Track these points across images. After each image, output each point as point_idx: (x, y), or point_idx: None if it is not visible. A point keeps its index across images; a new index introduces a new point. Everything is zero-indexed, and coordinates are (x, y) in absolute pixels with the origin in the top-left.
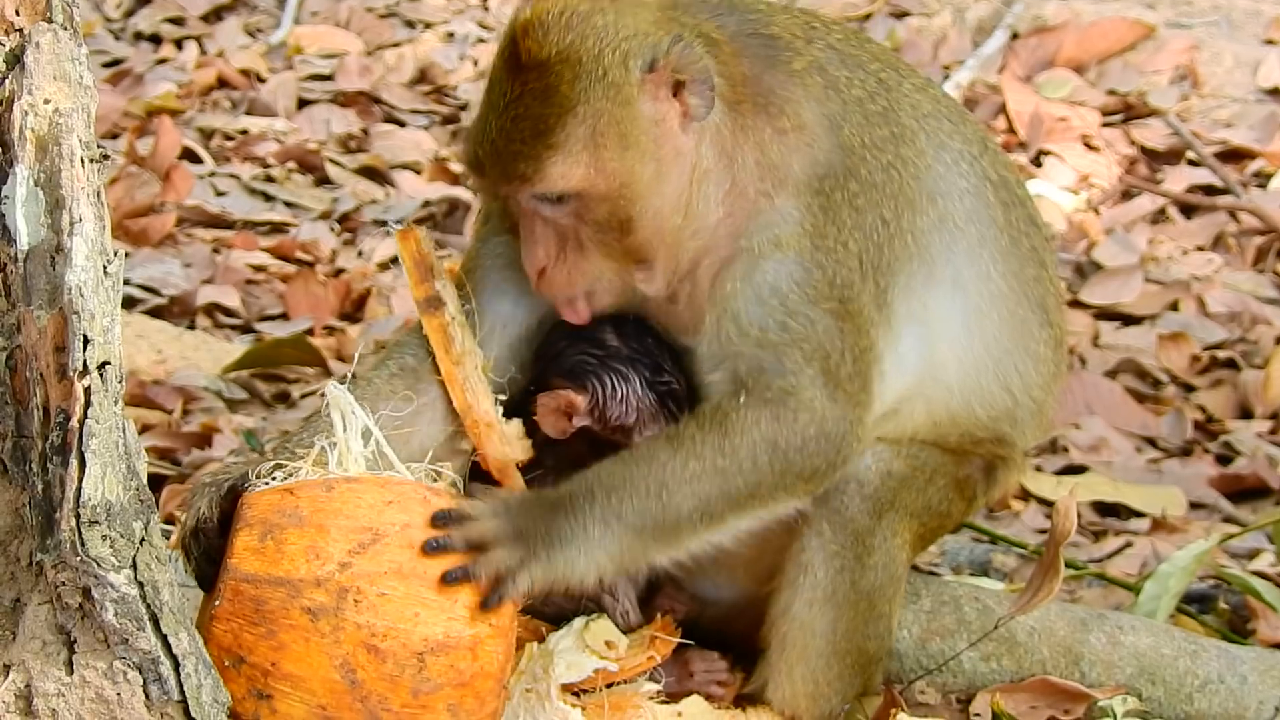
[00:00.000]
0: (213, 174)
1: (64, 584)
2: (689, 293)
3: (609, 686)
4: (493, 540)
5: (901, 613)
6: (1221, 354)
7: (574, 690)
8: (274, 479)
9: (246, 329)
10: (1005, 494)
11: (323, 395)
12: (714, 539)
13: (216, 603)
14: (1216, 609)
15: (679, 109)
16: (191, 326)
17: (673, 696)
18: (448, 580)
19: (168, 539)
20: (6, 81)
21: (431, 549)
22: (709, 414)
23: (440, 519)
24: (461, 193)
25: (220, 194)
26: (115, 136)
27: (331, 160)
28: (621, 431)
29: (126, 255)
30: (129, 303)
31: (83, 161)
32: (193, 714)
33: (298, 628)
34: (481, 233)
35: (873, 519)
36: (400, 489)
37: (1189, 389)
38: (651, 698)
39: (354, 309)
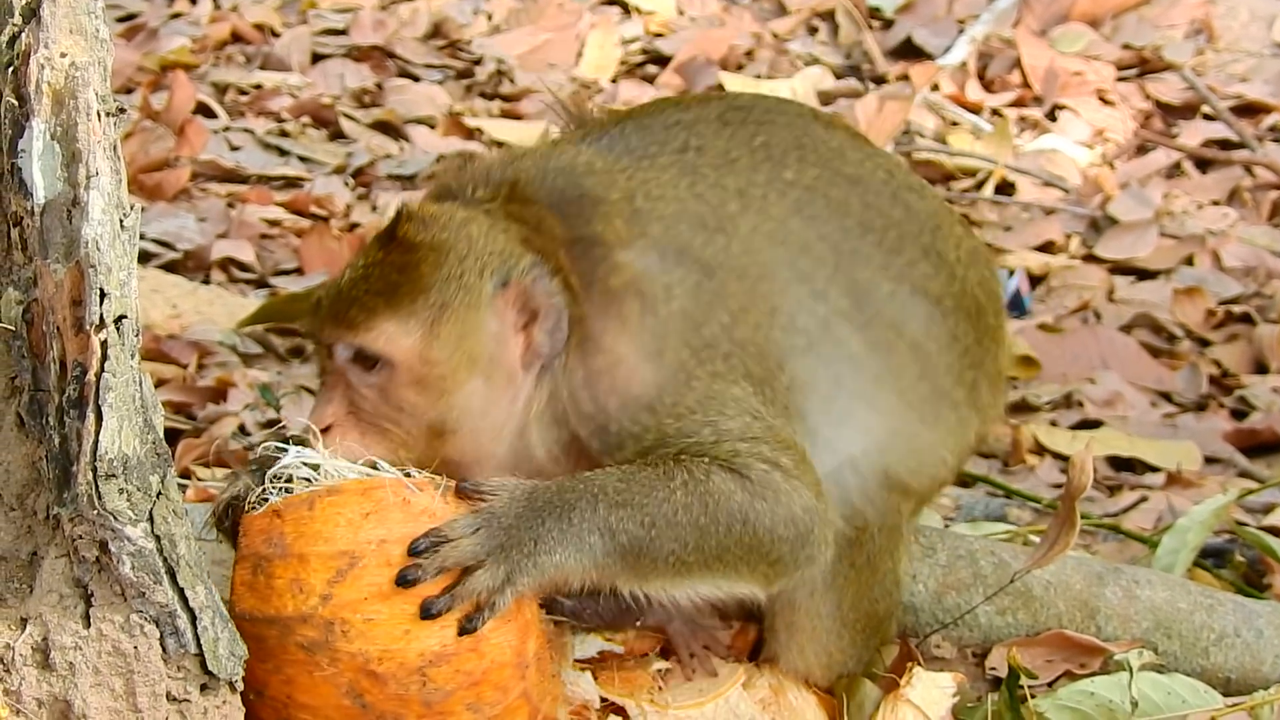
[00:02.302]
0: (227, 129)
1: (81, 537)
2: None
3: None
4: (472, 562)
5: (917, 566)
6: (1237, 308)
7: (583, 664)
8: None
9: (261, 283)
10: (1019, 442)
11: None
12: (674, 590)
13: None
14: (1232, 563)
15: (523, 342)
16: (206, 281)
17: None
18: (427, 613)
19: (184, 492)
20: (23, 35)
21: (404, 582)
22: (698, 471)
23: (415, 549)
24: (476, 147)
25: (234, 148)
26: (129, 91)
27: (346, 115)
28: None
29: (141, 210)
30: (143, 257)
31: (99, 115)
32: (209, 667)
33: (298, 662)
34: None
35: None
36: (379, 495)
37: (1204, 343)
38: (660, 672)
39: None
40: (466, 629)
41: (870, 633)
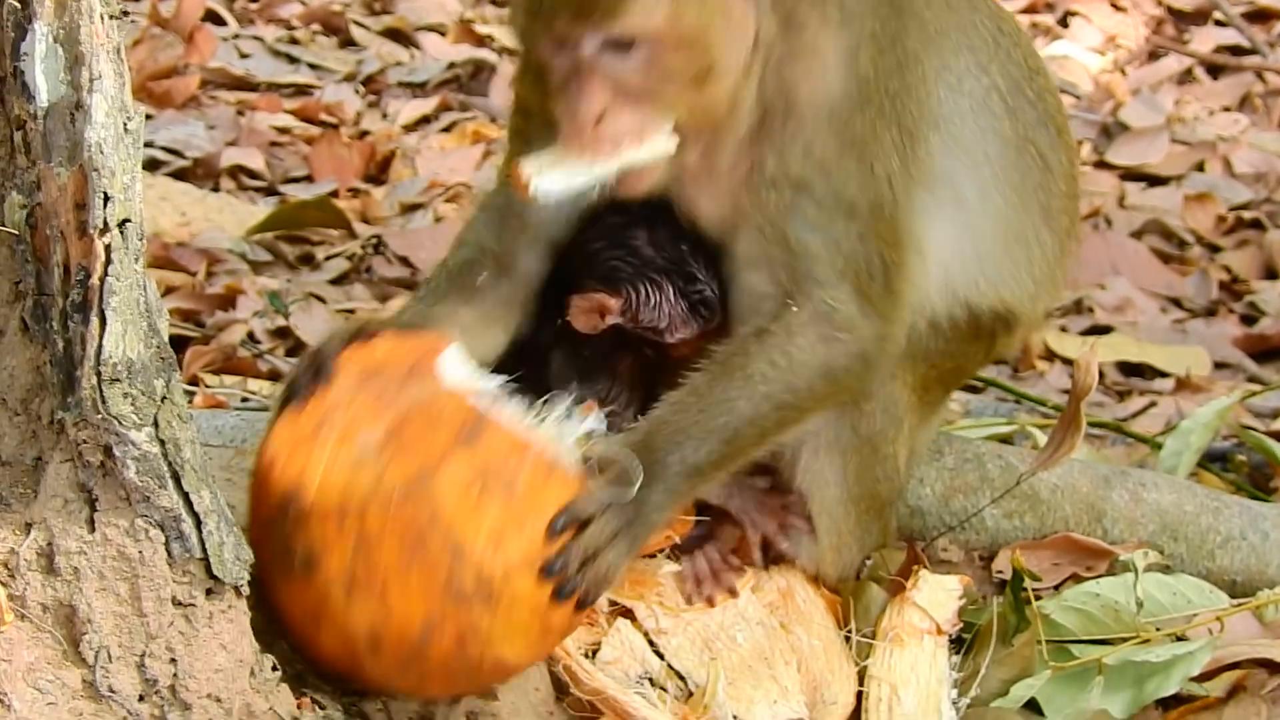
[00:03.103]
0: (236, 36)
1: (85, 442)
2: (727, 177)
3: None
4: (604, 543)
5: (924, 470)
6: (1247, 214)
7: None
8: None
9: (271, 191)
10: (1029, 347)
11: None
12: (757, 456)
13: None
14: (1238, 465)
15: None
16: (215, 189)
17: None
18: (549, 571)
19: (192, 399)
20: None
21: (550, 574)
22: (769, 342)
23: (556, 527)
24: (487, 55)
25: (244, 56)
26: None
27: (356, 22)
28: (652, 331)
29: (149, 117)
30: (153, 165)
31: (102, 18)
32: (215, 572)
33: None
34: (519, 135)
35: None
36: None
37: (1214, 249)
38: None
39: (378, 171)
40: (550, 572)
41: (873, 516)
